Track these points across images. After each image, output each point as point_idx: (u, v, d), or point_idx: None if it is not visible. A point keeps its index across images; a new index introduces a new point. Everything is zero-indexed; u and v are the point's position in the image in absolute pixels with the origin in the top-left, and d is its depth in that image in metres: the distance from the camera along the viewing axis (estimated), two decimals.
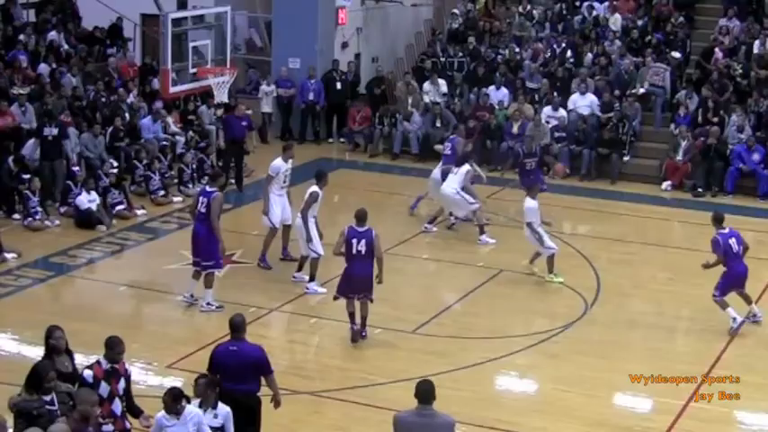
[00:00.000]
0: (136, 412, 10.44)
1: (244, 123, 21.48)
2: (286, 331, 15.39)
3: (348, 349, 14.76)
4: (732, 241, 15.30)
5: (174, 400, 9.77)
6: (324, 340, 15.17)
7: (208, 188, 15.75)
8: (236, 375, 10.65)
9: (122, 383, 10.26)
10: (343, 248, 14.24)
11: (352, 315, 14.51)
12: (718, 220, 15.49)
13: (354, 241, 14.11)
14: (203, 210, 15.41)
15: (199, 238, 15.54)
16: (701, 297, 16.88)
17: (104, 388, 10.10)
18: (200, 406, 10.03)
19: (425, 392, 9.34)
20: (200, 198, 15.55)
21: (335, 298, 14.62)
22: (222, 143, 22.29)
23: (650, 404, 13.34)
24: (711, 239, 15.34)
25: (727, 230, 15.41)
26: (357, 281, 14.29)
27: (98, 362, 10.30)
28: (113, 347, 10.27)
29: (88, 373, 10.18)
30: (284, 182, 17.17)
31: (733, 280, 15.31)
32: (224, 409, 10.07)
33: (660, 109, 24.90)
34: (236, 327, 10.91)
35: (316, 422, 12.58)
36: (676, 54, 25.82)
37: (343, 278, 14.45)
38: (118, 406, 10.17)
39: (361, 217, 14.29)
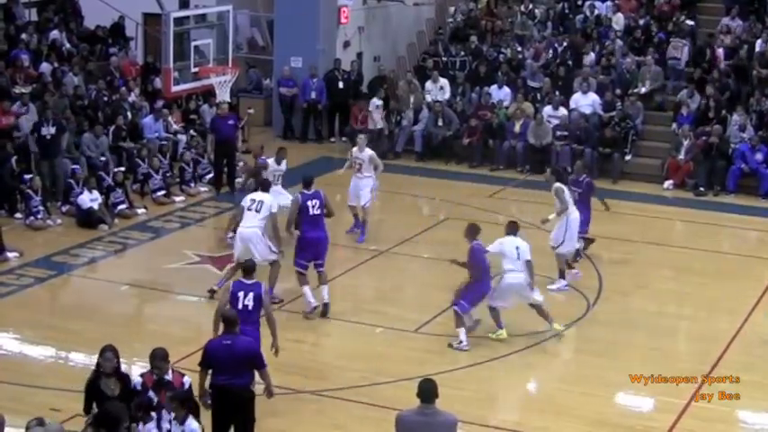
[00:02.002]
0: None
1: (230, 122, 21.41)
2: (288, 330, 15.32)
3: (349, 348, 14.77)
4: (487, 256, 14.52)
5: (144, 413, 9.85)
6: (325, 339, 15.16)
7: (308, 191, 15.67)
8: (230, 369, 10.68)
9: None
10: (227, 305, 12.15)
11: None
12: (473, 232, 14.54)
13: (241, 294, 12.11)
14: (317, 212, 15.43)
15: (321, 240, 15.52)
16: (702, 296, 16.91)
17: (151, 397, 10.10)
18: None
19: (428, 391, 9.33)
20: (309, 202, 15.47)
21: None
22: (210, 147, 22.05)
23: (652, 403, 13.35)
24: (473, 248, 14.38)
25: (311, 192, 15.32)
26: None
27: (150, 370, 10.38)
28: (151, 360, 10.36)
29: (138, 380, 10.29)
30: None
31: (480, 295, 14.59)
32: (192, 424, 9.82)
33: (675, 78, 25.48)
34: (231, 321, 10.93)
35: (317, 421, 12.57)
36: (689, 22, 26.60)
37: None
38: (165, 417, 9.91)
39: (248, 269, 12.49)
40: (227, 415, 10.78)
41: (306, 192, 15.68)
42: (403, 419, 9.39)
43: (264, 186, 16.24)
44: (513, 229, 14.91)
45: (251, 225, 15.51)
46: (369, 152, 18.76)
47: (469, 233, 14.57)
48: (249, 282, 12.27)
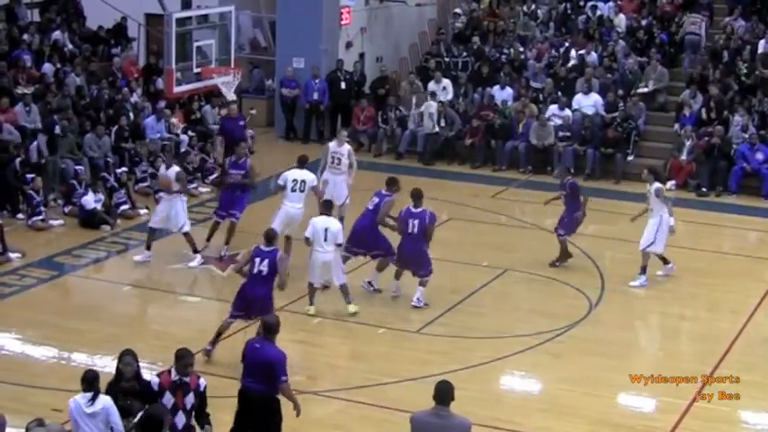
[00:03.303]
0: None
1: (241, 123, 21.35)
2: (291, 331, 15.33)
3: (352, 349, 14.79)
4: (414, 222, 15.62)
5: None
6: (328, 340, 15.17)
7: (383, 191, 16.24)
8: (252, 372, 10.74)
9: (191, 398, 10.01)
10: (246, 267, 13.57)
11: (219, 334, 13.79)
12: (416, 197, 15.84)
13: (257, 260, 13.38)
14: (371, 207, 16.13)
15: (365, 231, 16.14)
16: (704, 297, 16.90)
17: (168, 398, 9.88)
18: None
19: (443, 393, 9.25)
20: (373, 198, 16.23)
21: (233, 317, 13.79)
22: (219, 148, 21.86)
23: (654, 403, 13.34)
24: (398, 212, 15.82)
25: (418, 210, 15.71)
26: (253, 300, 13.49)
27: (168, 371, 10.16)
28: (179, 359, 10.10)
29: (155, 381, 10.08)
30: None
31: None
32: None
33: (695, 51, 25.93)
34: (268, 328, 10.89)
35: (319, 421, 12.56)
36: None
37: (239, 296, 13.70)
38: (181, 419, 9.89)
39: (269, 237, 13.60)
40: (244, 417, 10.75)
41: (381, 191, 16.28)
42: (417, 421, 9.31)
43: (301, 162, 16.95)
44: (325, 209, 15.49)
45: (298, 205, 16.57)
46: (348, 147, 18.64)
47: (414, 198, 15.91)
48: (267, 249, 13.38)
